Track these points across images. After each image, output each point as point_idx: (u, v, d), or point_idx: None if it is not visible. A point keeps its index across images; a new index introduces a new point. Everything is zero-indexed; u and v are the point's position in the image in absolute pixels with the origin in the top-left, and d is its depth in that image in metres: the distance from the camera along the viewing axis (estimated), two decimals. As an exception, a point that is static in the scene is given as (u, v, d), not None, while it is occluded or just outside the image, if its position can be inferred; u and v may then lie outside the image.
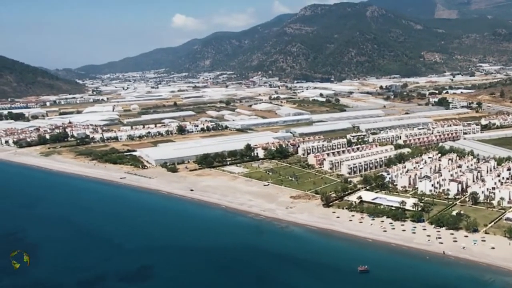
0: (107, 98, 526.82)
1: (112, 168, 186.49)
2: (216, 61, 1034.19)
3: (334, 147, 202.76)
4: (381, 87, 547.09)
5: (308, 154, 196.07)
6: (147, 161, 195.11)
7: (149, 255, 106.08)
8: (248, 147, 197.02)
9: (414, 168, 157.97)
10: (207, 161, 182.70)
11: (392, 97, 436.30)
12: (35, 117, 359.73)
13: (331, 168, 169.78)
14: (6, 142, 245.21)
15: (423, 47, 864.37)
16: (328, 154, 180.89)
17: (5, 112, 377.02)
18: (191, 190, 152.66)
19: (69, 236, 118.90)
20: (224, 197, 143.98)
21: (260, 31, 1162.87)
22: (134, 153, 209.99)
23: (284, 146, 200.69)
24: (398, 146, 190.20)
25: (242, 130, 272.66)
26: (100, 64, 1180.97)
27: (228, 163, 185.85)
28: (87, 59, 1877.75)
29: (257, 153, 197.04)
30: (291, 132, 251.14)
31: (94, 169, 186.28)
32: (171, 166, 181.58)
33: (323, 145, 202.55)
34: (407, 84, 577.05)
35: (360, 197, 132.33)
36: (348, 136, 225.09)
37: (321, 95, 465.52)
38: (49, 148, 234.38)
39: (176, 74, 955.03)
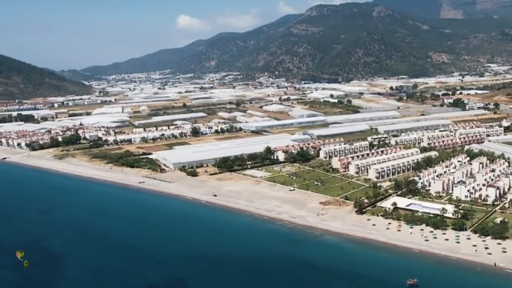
0: (115, 99, 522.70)
1: (129, 172, 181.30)
2: (222, 61, 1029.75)
3: (356, 150, 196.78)
4: (391, 88, 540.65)
5: (330, 157, 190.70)
6: (165, 165, 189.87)
7: (181, 266, 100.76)
8: (268, 150, 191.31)
9: (444, 172, 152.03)
10: (227, 165, 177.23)
11: (405, 98, 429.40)
12: (44, 118, 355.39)
13: (357, 172, 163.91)
14: (19, 144, 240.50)
15: (430, 47, 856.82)
16: (353, 158, 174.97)
17: (14, 113, 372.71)
18: (215, 195, 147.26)
19: (94, 245, 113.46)
20: (250, 203, 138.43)
21: (266, 31, 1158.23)
22: (150, 156, 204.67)
23: (304, 149, 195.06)
24: (424, 149, 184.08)
25: (257, 132, 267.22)
26: (105, 65, 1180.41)
27: (249, 166, 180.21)
28: (92, 60, 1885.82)
29: (277, 156, 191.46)
30: (308, 134, 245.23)
31: (111, 173, 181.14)
32: (190, 170, 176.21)
33: (345, 148, 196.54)
34: (417, 85, 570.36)
35: (394, 204, 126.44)
36: (369, 138, 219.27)
37: (331, 96, 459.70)
38: (62, 150, 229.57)
39: (182, 75, 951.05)
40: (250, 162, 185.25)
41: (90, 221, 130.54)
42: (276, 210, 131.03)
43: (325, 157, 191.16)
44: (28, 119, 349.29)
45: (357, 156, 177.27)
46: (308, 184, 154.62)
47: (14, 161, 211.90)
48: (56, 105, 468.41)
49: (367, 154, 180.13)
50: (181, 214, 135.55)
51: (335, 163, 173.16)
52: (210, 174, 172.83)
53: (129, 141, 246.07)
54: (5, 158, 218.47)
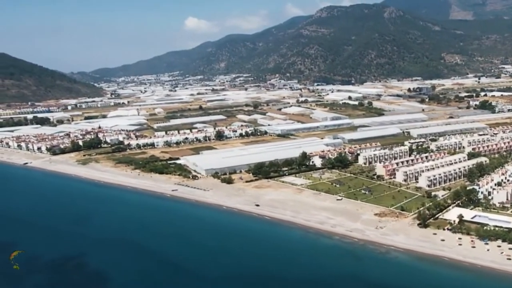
0: (128, 102, 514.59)
1: (159, 179, 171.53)
2: (231, 63, 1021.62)
3: (396, 155, 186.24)
4: (409, 90, 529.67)
5: (370, 163, 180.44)
6: (195, 170, 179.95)
7: (236, 287, 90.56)
8: (304, 155, 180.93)
9: (502, 180, 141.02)
10: (263, 171, 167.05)
11: (427, 100, 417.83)
12: (60, 121, 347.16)
13: (405, 180, 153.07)
14: (39, 148, 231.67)
15: (443, 48, 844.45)
16: (397, 164, 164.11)
17: (29, 116, 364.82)
18: (257, 205, 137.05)
19: (135, 261, 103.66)
20: (297, 214, 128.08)
21: (275, 33, 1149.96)
22: (178, 162, 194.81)
23: (342, 154, 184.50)
24: (472, 155, 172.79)
25: (283, 135, 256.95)
26: (114, 67, 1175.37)
27: (286, 173, 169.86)
28: (101, 62, 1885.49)
29: (313, 162, 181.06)
30: (339, 138, 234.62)
31: (140, 180, 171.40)
32: (224, 176, 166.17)
33: (385, 153, 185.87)
34: (435, 87, 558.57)
35: (461, 216, 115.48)
36: (406, 142, 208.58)
37: (349, 98, 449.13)
38: (84, 155, 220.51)
39: (192, 77, 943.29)
40: (286, 168, 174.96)
41: (127, 234, 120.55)
42: (328, 223, 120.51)
43: (365, 163, 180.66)
44: (44, 121, 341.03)
45: (402, 162, 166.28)
46: (355, 193, 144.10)
47: (36, 167, 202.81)
48: (69, 107, 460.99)
49: (412, 160, 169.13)
50: (224, 226, 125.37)
51: (380, 169, 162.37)
52: (246, 182, 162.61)
53: (152, 145, 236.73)
54: (26, 163, 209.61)
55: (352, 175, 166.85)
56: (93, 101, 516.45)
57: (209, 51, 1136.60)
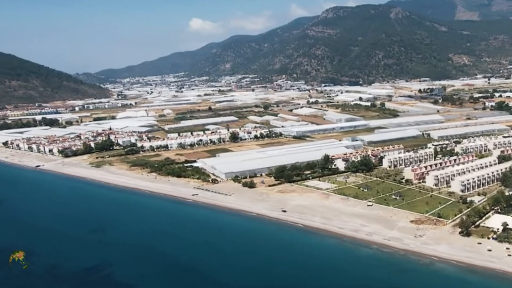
0: (135, 103, 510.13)
1: (177, 183, 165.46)
2: (237, 64, 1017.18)
3: (421, 158, 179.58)
4: (419, 91, 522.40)
5: (395, 166, 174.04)
6: (213, 174, 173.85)
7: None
8: (327, 158, 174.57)
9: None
10: (285, 175, 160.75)
11: (440, 101, 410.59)
12: (69, 123, 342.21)
13: (436, 184, 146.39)
14: (50, 151, 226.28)
15: (450, 49, 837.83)
16: (426, 167, 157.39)
17: (38, 117, 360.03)
18: (284, 211, 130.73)
19: (163, 272, 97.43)
20: (328, 220, 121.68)
21: (280, 34, 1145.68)
22: (195, 165, 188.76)
23: (366, 157, 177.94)
24: (502, 158, 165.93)
25: (299, 137, 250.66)
26: (119, 68, 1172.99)
27: (310, 177, 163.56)
28: (106, 63, 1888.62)
29: (335, 165, 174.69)
30: (357, 140, 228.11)
31: (158, 184, 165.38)
32: (246, 180, 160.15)
33: (409, 155, 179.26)
34: (446, 88, 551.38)
35: (505, 224, 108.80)
36: (430, 145, 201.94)
37: (360, 99, 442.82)
38: (97, 157, 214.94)
39: (197, 78, 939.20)
40: (309, 172, 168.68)
41: (152, 242, 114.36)
42: (363, 230, 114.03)
43: (389, 166, 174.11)
44: (53, 123, 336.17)
45: (430, 166, 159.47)
46: (386, 198, 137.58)
47: (49, 169, 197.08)
48: (77, 108, 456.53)
49: (440, 164, 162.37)
50: (252, 233, 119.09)
51: (408, 173, 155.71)
52: (269, 186, 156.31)
53: (166, 147, 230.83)
54: (38, 165, 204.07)
55: (378, 179, 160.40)
56: (100, 102, 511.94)
57: (214, 52, 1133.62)
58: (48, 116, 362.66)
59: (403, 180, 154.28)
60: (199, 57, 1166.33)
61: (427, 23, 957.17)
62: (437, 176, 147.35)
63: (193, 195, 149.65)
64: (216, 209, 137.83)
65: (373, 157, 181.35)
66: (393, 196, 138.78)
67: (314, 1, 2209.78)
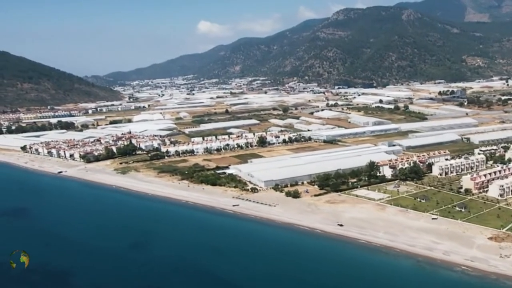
0: (148, 105, 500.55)
1: (213, 191, 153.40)
2: (246, 66, 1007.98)
3: (472, 165, 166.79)
4: (439, 93, 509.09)
5: (446, 173, 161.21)
6: (250, 182, 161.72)
7: None
8: (372, 165, 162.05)
9: None
10: (332, 184, 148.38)
11: (465, 103, 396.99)
12: (85, 126, 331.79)
13: (501, 195, 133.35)
14: (71, 156, 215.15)
15: (463, 51, 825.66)
16: (485, 176, 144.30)
17: (52, 120, 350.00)
18: (340, 225, 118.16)
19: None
20: (394, 236, 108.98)
21: (289, 36, 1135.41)
22: (228, 171, 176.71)
23: (412, 163, 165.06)
24: None
25: (329, 141, 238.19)
26: (128, 70, 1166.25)
27: (357, 185, 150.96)
28: (115, 65, 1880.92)
29: (380, 172, 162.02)
30: (395, 145, 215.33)
31: (192, 192, 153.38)
32: (288, 189, 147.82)
33: (461, 162, 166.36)
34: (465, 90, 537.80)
35: None
36: (477, 150, 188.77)
37: (380, 101, 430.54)
38: (121, 163, 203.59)
39: (207, 80, 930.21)
40: (354, 180, 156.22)
41: (199, 261, 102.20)
42: (437, 248, 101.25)
43: (440, 174, 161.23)
44: (69, 126, 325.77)
45: (490, 174, 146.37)
46: (450, 211, 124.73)
47: (73, 176, 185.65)
48: (90, 111, 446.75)
49: (499, 171, 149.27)
50: (309, 251, 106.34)
51: (466, 182, 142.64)
52: (315, 195, 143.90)
53: (191, 152, 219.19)
54: (61, 171, 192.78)
55: (432, 188, 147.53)
56: (112, 105, 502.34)
57: (223, 54, 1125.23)
58: (63, 119, 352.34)
59: (462, 190, 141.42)
60: (208, 59, 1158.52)
61: (439, 24, 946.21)
62: (502, 186, 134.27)
63: (233, 205, 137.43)
64: (262, 221, 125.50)
65: (421, 164, 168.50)
66: (457, 208, 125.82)
67: (322, 3, 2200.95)
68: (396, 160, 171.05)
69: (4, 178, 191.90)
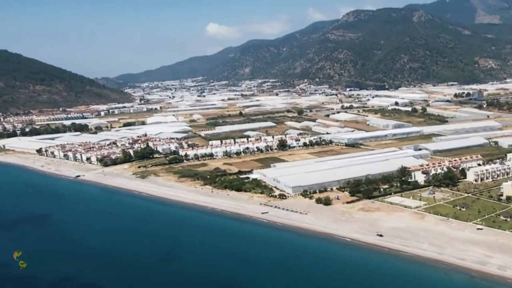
0: (160, 107, 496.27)
1: (239, 198, 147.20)
2: (256, 68, 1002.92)
3: (508, 170, 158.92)
4: (455, 95, 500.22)
5: (482, 179, 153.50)
6: (275, 187, 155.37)
7: None
8: (404, 171, 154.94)
9: None
10: (364, 190, 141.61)
11: (485, 105, 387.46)
12: (98, 128, 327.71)
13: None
14: (88, 159, 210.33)
15: (475, 52, 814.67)
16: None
17: (65, 122, 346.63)
18: (380, 235, 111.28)
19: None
20: (440, 248, 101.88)
21: (299, 38, 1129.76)
22: (251, 176, 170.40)
23: (445, 168, 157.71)
24: None
25: (351, 145, 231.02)
26: (137, 72, 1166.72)
27: (391, 192, 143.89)
28: (124, 68, 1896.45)
29: (412, 178, 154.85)
30: (421, 149, 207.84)
31: (216, 198, 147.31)
32: (319, 196, 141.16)
33: (496, 168, 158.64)
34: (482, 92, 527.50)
35: None
36: (510, 155, 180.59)
37: (396, 103, 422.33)
38: (139, 167, 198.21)
39: (216, 82, 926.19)
40: (386, 186, 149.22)
41: (233, 274, 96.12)
42: (490, 263, 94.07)
43: (476, 180, 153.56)
44: (82, 128, 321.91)
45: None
46: (494, 220, 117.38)
47: (91, 180, 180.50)
48: (102, 113, 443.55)
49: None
50: (349, 264, 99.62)
51: (508, 189, 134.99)
52: (347, 203, 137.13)
53: (210, 156, 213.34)
54: (78, 175, 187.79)
55: (469, 195, 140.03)
56: (124, 107, 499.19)
57: (232, 56, 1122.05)
58: (77, 121, 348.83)
59: (502, 197, 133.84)
60: (217, 61, 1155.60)
61: (450, 26, 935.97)
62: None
63: (262, 213, 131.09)
64: (294, 230, 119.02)
65: (454, 169, 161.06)
66: (502, 218, 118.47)
67: (331, 5, 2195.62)
68: (427, 165, 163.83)
69: (22, 182, 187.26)
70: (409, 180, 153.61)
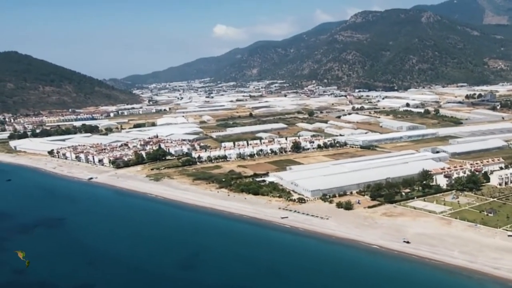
0: (169, 109, 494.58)
1: (256, 202, 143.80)
2: (264, 70, 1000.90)
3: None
4: (467, 96, 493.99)
5: (506, 183, 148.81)
6: (293, 191, 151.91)
7: None
8: (426, 174, 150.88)
9: None
10: (386, 195, 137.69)
11: (498, 107, 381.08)
12: (109, 129, 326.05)
13: None
14: (100, 161, 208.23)
15: (484, 53, 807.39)
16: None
17: (75, 123, 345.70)
18: (406, 241, 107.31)
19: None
20: (472, 257, 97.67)
21: (306, 39, 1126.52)
22: (267, 179, 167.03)
23: (468, 172, 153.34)
24: None
25: (366, 147, 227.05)
26: (144, 74, 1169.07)
27: (414, 196, 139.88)
28: (132, 69, 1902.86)
29: (435, 182, 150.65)
30: (438, 151, 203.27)
31: (234, 202, 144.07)
32: (339, 200, 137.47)
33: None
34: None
35: None
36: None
37: (407, 105, 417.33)
38: (152, 169, 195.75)
39: (224, 84, 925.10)
40: (408, 190, 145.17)
41: (258, 283, 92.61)
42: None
43: (500, 184, 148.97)
44: (93, 130, 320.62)
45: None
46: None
47: (104, 183, 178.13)
48: (111, 114, 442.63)
49: None
50: (378, 273, 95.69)
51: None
52: (368, 207, 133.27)
53: (224, 158, 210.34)
54: (91, 178, 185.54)
55: (495, 199, 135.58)
56: (133, 108, 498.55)
57: (239, 57, 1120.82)
58: (87, 123, 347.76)
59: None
60: (224, 62, 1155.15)
61: (458, 27, 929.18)
62: None
63: (282, 218, 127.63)
64: (317, 236, 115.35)
65: (476, 172, 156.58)
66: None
67: (338, 6, 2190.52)
68: (449, 168, 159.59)
69: (35, 184, 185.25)
70: (431, 183, 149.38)
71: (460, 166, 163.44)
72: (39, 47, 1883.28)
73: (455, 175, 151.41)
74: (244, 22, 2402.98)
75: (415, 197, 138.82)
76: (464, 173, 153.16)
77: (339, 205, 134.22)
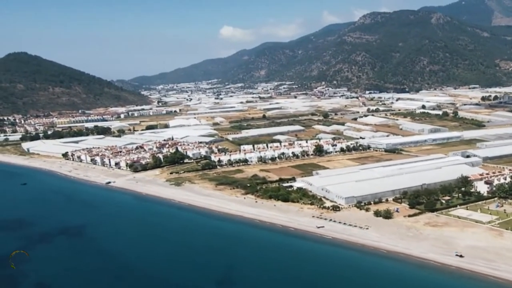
0: (179, 110, 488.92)
1: (287, 209, 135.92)
2: (271, 71, 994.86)
3: None
4: (482, 98, 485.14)
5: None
6: (324, 197, 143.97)
7: None
8: (465, 180, 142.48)
9: None
10: (427, 203, 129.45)
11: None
12: (121, 131, 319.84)
13: None
14: (116, 164, 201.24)
15: (495, 55, 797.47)
16: None
17: (87, 124, 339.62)
18: (459, 255, 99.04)
19: None
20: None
21: (314, 40, 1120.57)
22: (295, 185, 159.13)
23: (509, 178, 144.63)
24: None
25: (391, 150, 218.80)
26: (152, 75, 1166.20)
27: (456, 204, 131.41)
28: (139, 70, 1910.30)
29: (476, 188, 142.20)
30: (469, 155, 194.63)
31: (263, 210, 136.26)
32: (377, 208, 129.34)
33: None
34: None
35: None
36: None
37: (423, 107, 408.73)
38: (171, 173, 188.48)
39: (232, 85, 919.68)
40: (448, 197, 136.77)
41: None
42: None
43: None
44: (105, 131, 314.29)
45: None
46: None
47: (123, 187, 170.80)
48: (122, 115, 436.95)
49: None
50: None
51: None
52: (409, 216, 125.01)
53: (245, 162, 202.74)
54: (109, 182, 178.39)
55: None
56: (143, 109, 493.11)
57: (246, 59, 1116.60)
58: (99, 124, 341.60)
59: None
60: (231, 64, 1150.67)
61: (468, 28, 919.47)
62: None
63: (318, 227, 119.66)
64: (358, 248, 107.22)
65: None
66: None
67: (345, 8, 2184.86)
68: (488, 173, 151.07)
69: (51, 189, 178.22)
70: (471, 190, 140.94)
71: (499, 171, 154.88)
72: (48, 48, 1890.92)
73: (496, 182, 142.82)
74: (251, 24, 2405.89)
75: (458, 205, 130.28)
76: (505, 179, 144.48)
77: (377, 213, 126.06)
